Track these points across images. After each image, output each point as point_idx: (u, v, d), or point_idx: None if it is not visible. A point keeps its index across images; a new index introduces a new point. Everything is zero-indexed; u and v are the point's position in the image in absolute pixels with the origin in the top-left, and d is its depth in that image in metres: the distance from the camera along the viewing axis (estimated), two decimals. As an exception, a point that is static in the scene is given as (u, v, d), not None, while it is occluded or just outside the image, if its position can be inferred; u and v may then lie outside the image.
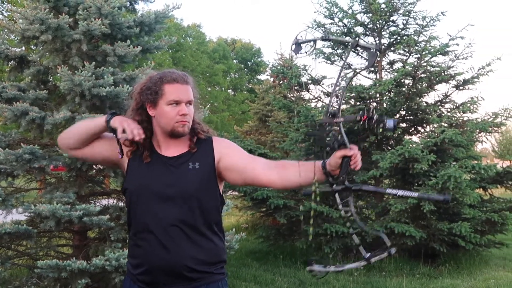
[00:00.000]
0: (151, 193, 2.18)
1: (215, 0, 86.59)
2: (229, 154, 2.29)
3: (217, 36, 54.05)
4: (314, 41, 2.07)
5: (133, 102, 2.29)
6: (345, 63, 1.69)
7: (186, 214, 2.17)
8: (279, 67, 10.54)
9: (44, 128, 5.16)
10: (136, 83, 2.40)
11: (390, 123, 1.95)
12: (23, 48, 6.59)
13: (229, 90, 45.96)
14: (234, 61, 48.28)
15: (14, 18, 5.96)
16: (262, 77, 49.58)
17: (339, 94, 1.93)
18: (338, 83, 2.02)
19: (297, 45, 2.06)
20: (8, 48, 5.70)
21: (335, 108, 1.97)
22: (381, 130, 1.97)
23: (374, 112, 1.95)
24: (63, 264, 4.64)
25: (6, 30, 6.17)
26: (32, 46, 6.78)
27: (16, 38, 9.31)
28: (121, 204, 5.82)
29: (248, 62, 50.11)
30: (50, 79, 6.13)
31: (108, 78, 5.25)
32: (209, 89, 39.04)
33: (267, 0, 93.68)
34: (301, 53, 2.04)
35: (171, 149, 2.25)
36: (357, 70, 7.39)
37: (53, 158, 5.29)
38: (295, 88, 9.93)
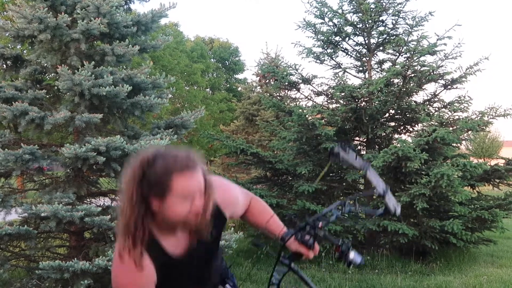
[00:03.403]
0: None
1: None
2: (236, 212, 2.27)
3: (194, 35, 53.80)
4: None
5: (131, 192, 1.80)
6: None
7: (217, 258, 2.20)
8: (268, 66, 10.51)
9: (44, 128, 5.12)
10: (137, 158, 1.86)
11: (357, 259, 2.10)
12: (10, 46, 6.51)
13: (207, 89, 45.76)
14: (212, 60, 48.08)
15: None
16: (240, 76, 49.65)
17: (332, 219, 2.13)
18: (329, 213, 2.17)
19: (334, 155, 2.18)
20: (3, 47, 5.64)
21: (322, 224, 2.11)
22: (347, 264, 2.13)
23: (349, 249, 2.10)
24: (66, 265, 4.61)
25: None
26: (19, 46, 6.73)
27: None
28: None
29: (226, 61, 49.98)
30: (45, 79, 6.07)
31: (107, 78, 5.23)
32: (187, 88, 38.82)
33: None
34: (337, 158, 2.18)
35: (179, 231, 1.97)
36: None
37: (52, 159, 5.25)
38: (285, 87, 9.95)
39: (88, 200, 5.92)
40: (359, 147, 9.61)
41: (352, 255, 2.10)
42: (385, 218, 7.83)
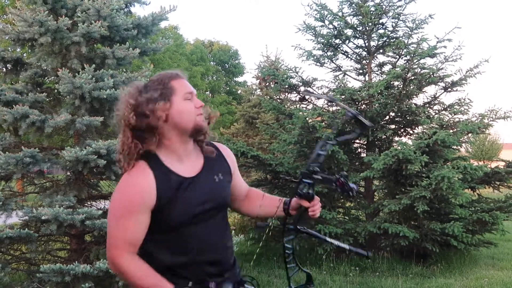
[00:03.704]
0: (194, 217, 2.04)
1: (190, 2, 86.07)
2: (237, 173, 2.31)
3: (194, 38, 53.86)
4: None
5: (135, 103, 1.98)
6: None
7: (225, 228, 2.23)
8: (269, 69, 10.50)
9: (44, 131, 5.12)
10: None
11: (355, 186, 2.18)
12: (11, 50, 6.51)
13: (207, 92, 45.81)
14: (212, 63, 48.13)
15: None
16: (240, 79, 49.69)
17: (321, 160, 2.19)
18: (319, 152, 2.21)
19: (305, 95, 2.32)
20: (3, 50, 5.64)
21: (317, 169, 2.16)
22: (352, 193, 2.18)
23: (347, 178, 2.16)
24: (67, 268, 4.60)
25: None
26: (19, 49, 6.75)
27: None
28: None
29: (226, 64, 50.02)
30: (45, 82, 6.08)
31: (108, 81, 5.23)
32: (187, 91, 38.87)
33: (242, 2, 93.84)
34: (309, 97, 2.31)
35: (186, 161, 2.06)
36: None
37: (53, 162, 5.25)
38: (284, 89, 9.95)
39: (88, 203, 5.93)
40: (359, 150, 9.62)
41: (351, 184, 2.17)
42: (385, 221, 7.83)
